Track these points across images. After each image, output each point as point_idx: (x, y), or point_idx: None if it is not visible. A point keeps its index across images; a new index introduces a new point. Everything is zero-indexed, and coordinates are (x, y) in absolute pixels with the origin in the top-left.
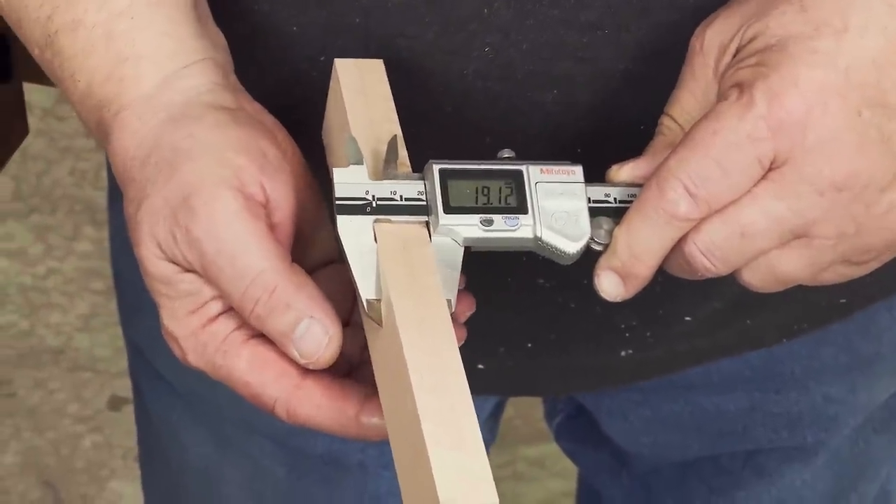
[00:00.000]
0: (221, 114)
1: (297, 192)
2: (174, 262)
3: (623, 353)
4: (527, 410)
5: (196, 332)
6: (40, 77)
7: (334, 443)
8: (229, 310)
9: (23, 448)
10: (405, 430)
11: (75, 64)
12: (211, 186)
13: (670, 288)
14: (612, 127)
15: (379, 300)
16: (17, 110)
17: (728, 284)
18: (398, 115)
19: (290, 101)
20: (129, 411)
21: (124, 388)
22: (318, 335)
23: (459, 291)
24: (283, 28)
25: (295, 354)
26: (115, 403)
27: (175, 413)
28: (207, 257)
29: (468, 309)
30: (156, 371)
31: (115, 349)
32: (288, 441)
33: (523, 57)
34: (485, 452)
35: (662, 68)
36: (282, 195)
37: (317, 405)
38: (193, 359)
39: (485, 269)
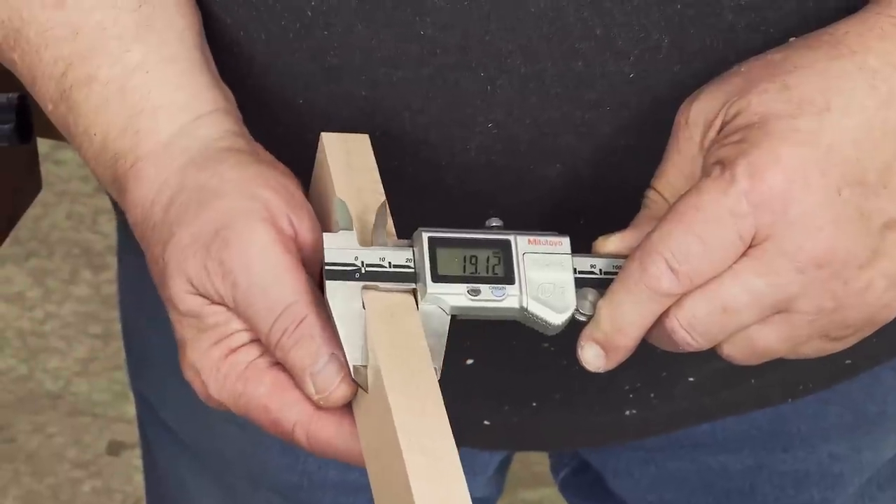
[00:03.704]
0: (241, 155)
1: (317, 233)
2: (204, 296)
3: (627, 413)
4: (525, 454)
5: (218, 363)
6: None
7: (340, 497)
8: (252, 342)
9: (22, 493)
10: (394, 492)
11: (90, 119)
12: (243, 219)
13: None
14: (615, 200)
15: (365, 366)
16: (32, 167)
17: None
18: (401, 186)
19: (295, 169)
20: (128, 456)
21: (123, 432)
22: (333, 373)
23: None
24: (291, 101)
25: (310, 389)
26: (114, 448)
27: (181, 463)
28: (240, 289)
29: None
30: (162, 422)
31: (113, 394)
32: (294, 495)
33: (526, 132)
34: None
35: (662, 143)
36: (307, 230)
37: (337, 423)
38: (215, 391)
39: (490, 333)
